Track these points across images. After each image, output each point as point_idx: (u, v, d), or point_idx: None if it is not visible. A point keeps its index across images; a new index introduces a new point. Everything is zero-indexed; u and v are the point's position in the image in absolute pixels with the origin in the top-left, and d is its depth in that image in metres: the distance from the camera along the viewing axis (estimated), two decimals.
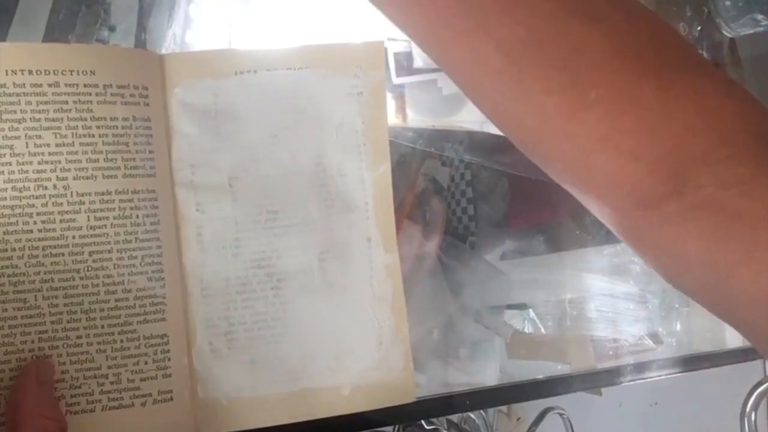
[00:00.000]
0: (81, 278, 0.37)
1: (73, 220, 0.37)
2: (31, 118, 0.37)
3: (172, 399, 0.39)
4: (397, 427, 0.91)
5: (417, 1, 0.30)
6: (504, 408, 1.30)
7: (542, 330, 0.63)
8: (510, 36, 0.28)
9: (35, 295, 0.37)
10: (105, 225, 0.38)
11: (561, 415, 0.77)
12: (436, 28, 0.30)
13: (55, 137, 0.37)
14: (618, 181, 0.28)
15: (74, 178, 0.37)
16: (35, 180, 0.37)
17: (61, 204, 0.37)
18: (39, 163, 0.37)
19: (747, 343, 0.65)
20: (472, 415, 1.00)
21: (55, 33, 0.46)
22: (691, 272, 0.28)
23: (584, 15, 0.28)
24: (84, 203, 0.38)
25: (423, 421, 0.82)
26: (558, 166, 0.31)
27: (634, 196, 0.28)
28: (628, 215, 0.29)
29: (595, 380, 0.62)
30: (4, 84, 0.36)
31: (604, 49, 0.28)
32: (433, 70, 0.53)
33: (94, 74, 0.38)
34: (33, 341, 0.37)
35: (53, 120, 0.37)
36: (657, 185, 0.28)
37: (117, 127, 0.38)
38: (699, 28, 0.63)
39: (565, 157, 0.30)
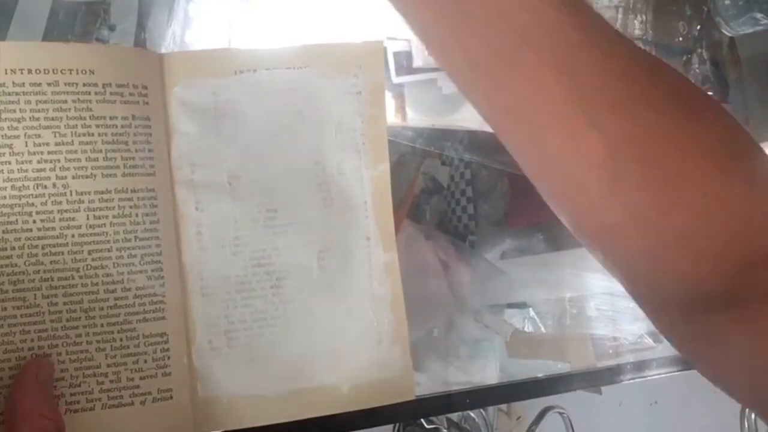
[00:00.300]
0: (80, 277, 0.38)
1: (73, 219, 0.37)
2: (30, 117, 0.37)
3: (171, 397, 0.40)
4: (397, 425, 0.91)
5: (530, 89, 0.28)
6: (504, 407, 1.30)
7: (542, 329, 0.63)
8: (619, 130, 0.27)
9: (34, 294, 0.37)
10: (104, 224, 0.38)
11: (561, 413, 0.77)
12: (541, 113, 0.28)
13: (55, 136, 0.37)
14: (692, 282, 0.28)
15: (73, 177, 0.37)
16: (34, 179, 0.37)
17: (60, 203, 0.37)
18: (38, 162, 0.37)
19: None
20: (472, 414, 1.00)
21: (54, 32, 0.46)
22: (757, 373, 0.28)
23: (686, 112, 0.28)
24: (83, 202, 0.38)
25: (423, 420, 0.82)
26: (629, 264, 0.30)
27: (703, 297, 0.28)
28: (694, 316, 0.29)
29: (595, 379, 0.62)
30: (4, 83, 0.36)
31: (702, 147, 0.28)
32: (433, 70, 0.53)
33: (93, 73, 0.38)
34: (32, 340, 0.37)
35: (52, 119, 0.37)
36: (729, 286, 0.28)
37: (116, 126, 0.38)
38: (698, 27, 0.63)
39: (640, 254, 0.29)
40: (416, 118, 0.54)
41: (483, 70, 0.29)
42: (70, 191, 0.37)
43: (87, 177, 0.38)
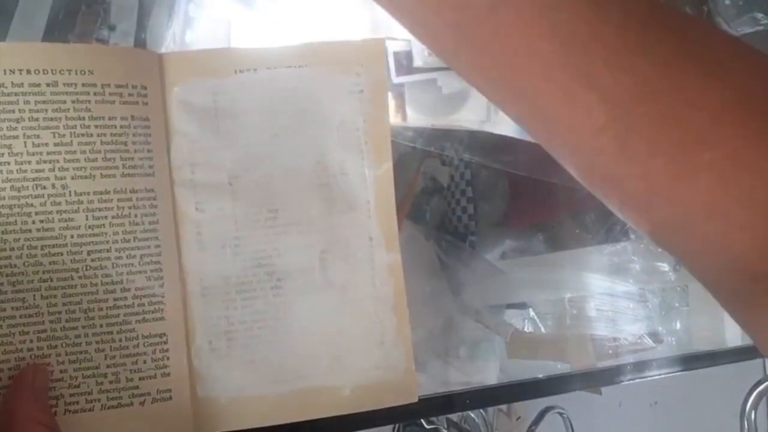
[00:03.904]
0: (80, 277, 0.37)
1: (72, 220, 0.37)
2: (29, 118, 0.37)
3: (171, 398, 0.39)
4: (397, 425, 0.91)
5: (516, 51, 0.26)
6: (504, 407, 1.30)
7: (542, 329, 0.63)
8: (617, 87, 0.25)
9: (34, 295, 0.37)
10: (103, 224, 0.38)
11: (561, 414, 0.77)
12: (533, 78, 0.26)
13: (54, 137, 0.37)
14: (724, 252, 0.26)
15: (72, 178, 0.37)
16: (33, 179, 0.37)
17: (59, 203, 0.37)
18: (37, 163, 0.37)
19: (746, 342, 0.65)
20: (472, 414, 1.00)
21: (54, 33, 0.46)
22: None
23: (703, 64, 0.25)
24: (82, 202, 0.38)
25: (423, 420, 0.82)
26: (663, 232, 0.28)
27: (739, 268, 0.26)
28: (733, 287, 0.27)
29: (594, 379, 0.62)
30: (3, 83, 0.36)
31: (723, 103, 0.24)
32: (433, 69, 0.53)
33: (92, 74, 0.38)
34: (31, 341, 0.37)
35: (51, 119, 0.37)
36: (766, 259, 0.25)
37: (115, 127, 0.38)
38: None
39: (670, 223, 0.27)
40: (416, 118, 0.54)
41: (466, 39, 0.27)
42: (69, 192, 0.37)
43: (86, 177, 0.38)
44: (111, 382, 0.38)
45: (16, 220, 0.37)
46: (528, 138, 0.34)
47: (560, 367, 0.61)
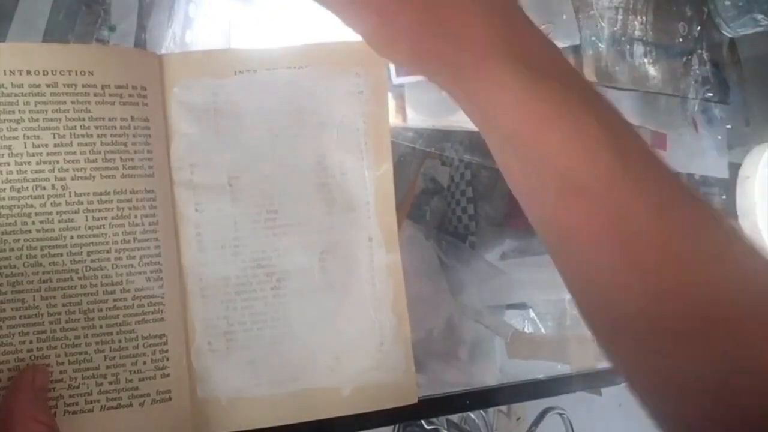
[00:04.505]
0: (79, 278, 0.37)
1: (72, 221, 0.37)
2: (29, 119, 0.37)
3: (170, 399, 0.39)
4: (397, 426, 0.91)
5: (571, 220, 0.30)
6: (504, 408, 1.30)
7: (542, 330, 0.63)
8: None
9: (33, 296, 0.37)
10: (103, 225, 0.38)
11: (561, 415, 0.77)
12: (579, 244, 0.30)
13: (54, 137, 0.37)
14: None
15: (72, 179, 0.37)
16: (33, 180, 0.37)
17: (59, 204, 0.37)
18: (37, 164, 0.37)
19: None
20: (472, 415, 1.00)
21: (55, 33, 0.46)
22: None
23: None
24: (82, 203, 0.38)
25: (423, 421, 0.82)
26: None
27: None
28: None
29: (595, 380, 0.62)
30: (3, 84, 0.36)
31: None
32: None
33: (92, 74, 0.38)
34: (31, 341, 0.37)
35: (51, 120, 0.37)
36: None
37: (115, 128, 0.38)
38: (699, 28, 0.63)
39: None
40: (416, 118, 0.54)
41: (538, 200, 0.31)
42: (69, 192, 0.37)
43: (86, 178, 0.38)
44: (110, 383, 0.38)
45: (15, 221, 0.37)
46: None
47: (560, 368, 0.61)
